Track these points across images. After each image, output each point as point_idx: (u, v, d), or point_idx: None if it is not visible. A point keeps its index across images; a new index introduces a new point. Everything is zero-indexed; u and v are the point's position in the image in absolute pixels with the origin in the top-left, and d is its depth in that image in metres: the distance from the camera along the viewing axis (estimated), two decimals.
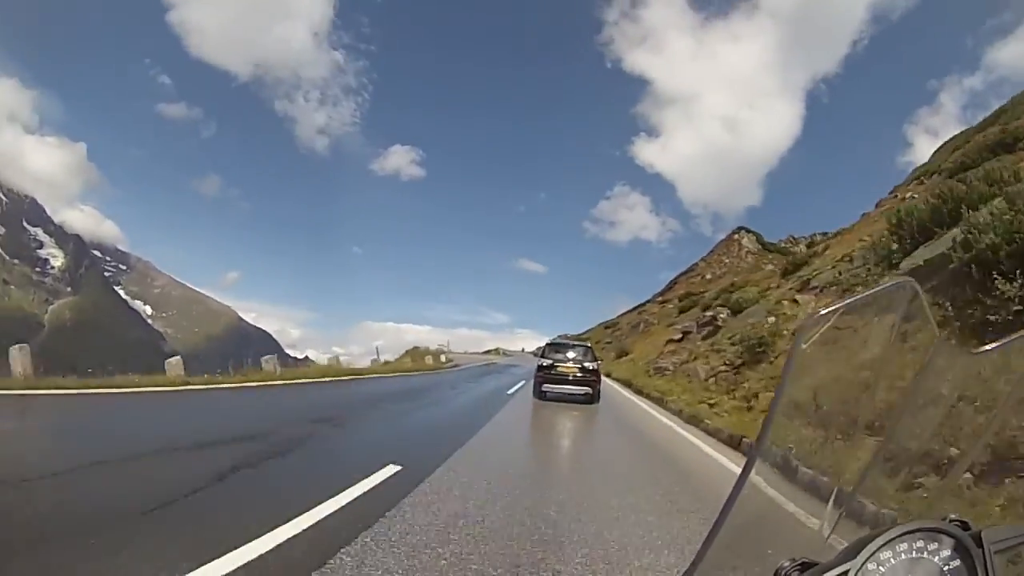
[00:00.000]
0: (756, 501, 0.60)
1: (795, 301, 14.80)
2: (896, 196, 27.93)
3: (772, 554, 0.64)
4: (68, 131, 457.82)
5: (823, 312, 0.60)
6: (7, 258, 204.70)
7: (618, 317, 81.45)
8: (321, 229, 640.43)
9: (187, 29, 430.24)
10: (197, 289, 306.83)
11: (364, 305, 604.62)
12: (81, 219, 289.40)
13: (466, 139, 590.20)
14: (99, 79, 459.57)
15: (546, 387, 13.18)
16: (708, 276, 67.94)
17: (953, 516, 0.64)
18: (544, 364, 13.40)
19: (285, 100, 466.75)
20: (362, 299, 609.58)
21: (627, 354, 35.74)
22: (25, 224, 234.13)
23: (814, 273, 17.54)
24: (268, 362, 14.35)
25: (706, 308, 29.90)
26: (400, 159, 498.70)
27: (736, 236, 79.62)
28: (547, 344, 14.47)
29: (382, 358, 27.22)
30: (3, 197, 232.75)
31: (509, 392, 14.91)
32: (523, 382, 18.00)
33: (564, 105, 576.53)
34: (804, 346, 0.59)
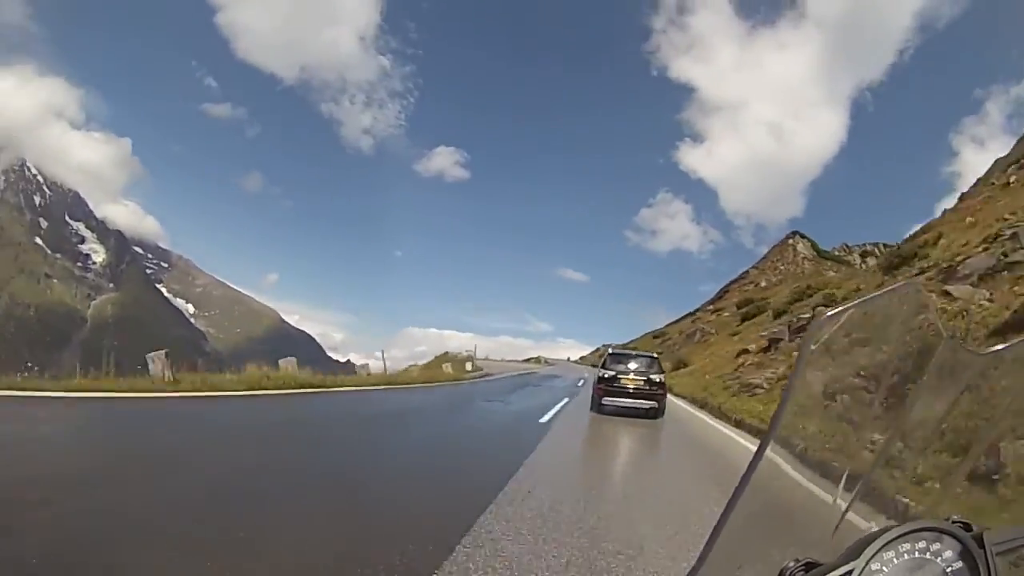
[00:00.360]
0: (761, 501, 0.64)
1: (946, 293, 13.31)
2: (982, 190, 28.28)
3: (776, 554, 0.67)
4: (114, 127, 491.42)
5: (831, 313, 0.63)
6: (49, 252, 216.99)
7: (666, 327, 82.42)
8: (364, 230, 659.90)
9: (235, 31, 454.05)
10: (239, 289, 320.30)
11: (407, 310, 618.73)
12: (124, 214, 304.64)
13: (510, 142, 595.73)
14: (145, 78, 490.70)
15: (607, 400, 13.18)
16: (763, 283, 68.40)
17: (956, 517, 0.68)
18: (606, 376, 13.33)
19: (331, 103, 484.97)
20: (405, 304, 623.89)
21: (685, 365, 35.24)
22: (68, 219, 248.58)
23: (954, 259, 15.99)
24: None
25: (779, 314, 29.49)
26: (444, 160, 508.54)
27: (791, 241, 79.74)
28: (609, 354, 14.35)
29: (397, 365, 25.97)
30: (47, 191, 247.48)
31: (542, 420, 11.32)
32: (565, 400, 16.17)
33: (609, 111, 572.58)
34: (813, 347, 0.63)
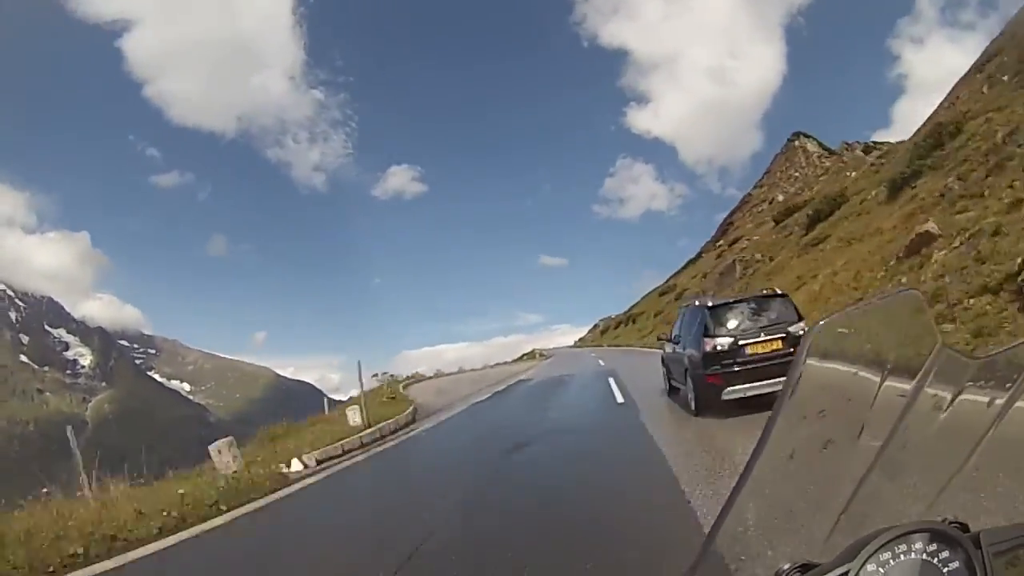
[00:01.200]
0: (757, 502, 0.64)
1: None
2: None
3: (772, 555, 0.68)
4: (68, 223, 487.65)
5: (830, 318, 0.65)
6: (37, 367, 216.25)
7: (670, 280, 73.86)
8: (338, 267, 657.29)
9: (165, 100, 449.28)
10: (229, 356, 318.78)
11: (398, 335, 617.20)
12: (100, 308, 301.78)
13: (459, 145, 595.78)
14: (88, 166, 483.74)
15: (733, 391, 7.72)
16: (780, 196, 59.72)
17: (952, 518, 0.68)
18: (720, 347, 7.93)
19: (275, 147, 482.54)
20: (395, 330, 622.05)
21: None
22: (47, 327, 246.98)
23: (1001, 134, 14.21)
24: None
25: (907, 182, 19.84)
26: (400, 179, 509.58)
27: (797, 144, 71.03)
28: (710, 308, 8.55)
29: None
30: (20, 303, 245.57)
31: None
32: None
33: (551, 92, 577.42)
34: (811, 350, 0.63)
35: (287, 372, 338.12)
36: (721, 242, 62.31)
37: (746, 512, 0.63)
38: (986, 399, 0.79)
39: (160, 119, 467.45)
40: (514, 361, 51.58)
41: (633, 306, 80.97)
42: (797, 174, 63.91)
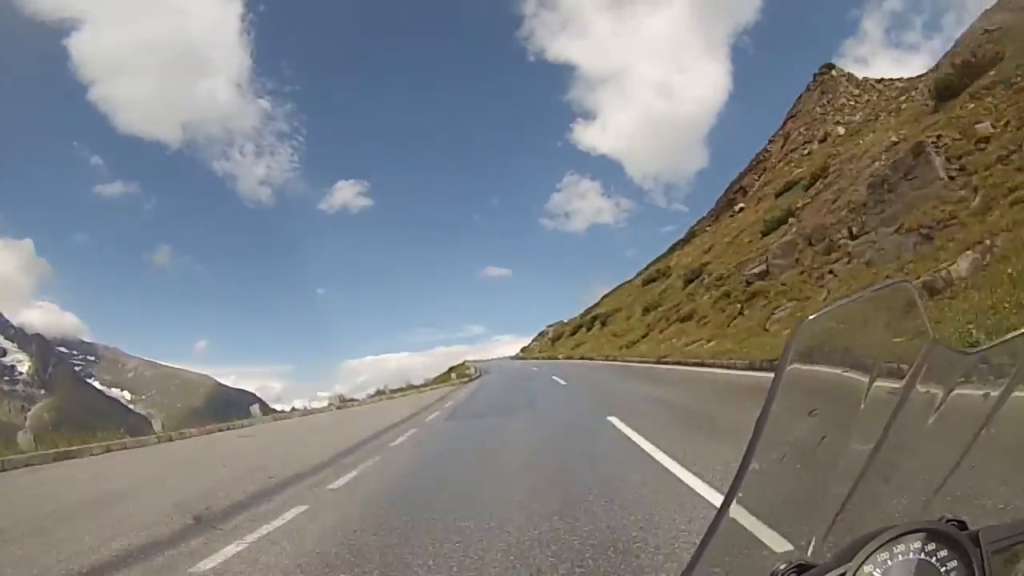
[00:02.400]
0: (751, 503, 0.62)
1: None
2: None
3: (768, 556, 0.66)
4: (11, 231, 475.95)
5: (819, 313, 0.63)
6: None
7: (659, 260, 56.37)
8: (283, 279, 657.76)
9: (111, 106, 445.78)
10: (170, 364, 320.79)
11: (341, 345, 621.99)
12: (40, 316, 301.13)
13: (406, 160, 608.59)
14: (33, 173, 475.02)
15: None
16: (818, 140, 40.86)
17: (949, 516, 0.67)
18: None
19: (221, 159, 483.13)
20: (338, 341, 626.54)
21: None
22: None
23: None
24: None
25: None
26: (346, 193, 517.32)
27: (831, 74, 52.75)
28: None
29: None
30: None
31: None
32: None
33: (498, 107, 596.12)
34: (799, 346, 0.61)
35: (228, 380, 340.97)
36: (730, 213, 47.67)
37: (740, 513, 0.61)
38: (981, 394, 0.77)
39: (105, 125, 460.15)
40: (440, 377, 36.16)
41: (594, 305, 67.74)
42: (851, 103, 46.28)
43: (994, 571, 0.62)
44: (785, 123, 55.79)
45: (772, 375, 0.61)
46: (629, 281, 63.40)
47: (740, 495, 0.61)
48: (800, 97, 56.86)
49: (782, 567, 0.64)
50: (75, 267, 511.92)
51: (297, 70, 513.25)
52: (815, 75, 56.66)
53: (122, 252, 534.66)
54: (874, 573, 0.61)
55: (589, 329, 51.35)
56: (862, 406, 0.70)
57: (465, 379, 31.87)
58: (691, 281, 32.81)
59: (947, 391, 0.74)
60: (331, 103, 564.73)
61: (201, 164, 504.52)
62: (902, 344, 0.70)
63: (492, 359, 78.98)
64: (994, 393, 0.77)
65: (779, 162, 48.60)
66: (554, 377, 20.30)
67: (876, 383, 0.69)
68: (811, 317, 0.63)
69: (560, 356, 46.73)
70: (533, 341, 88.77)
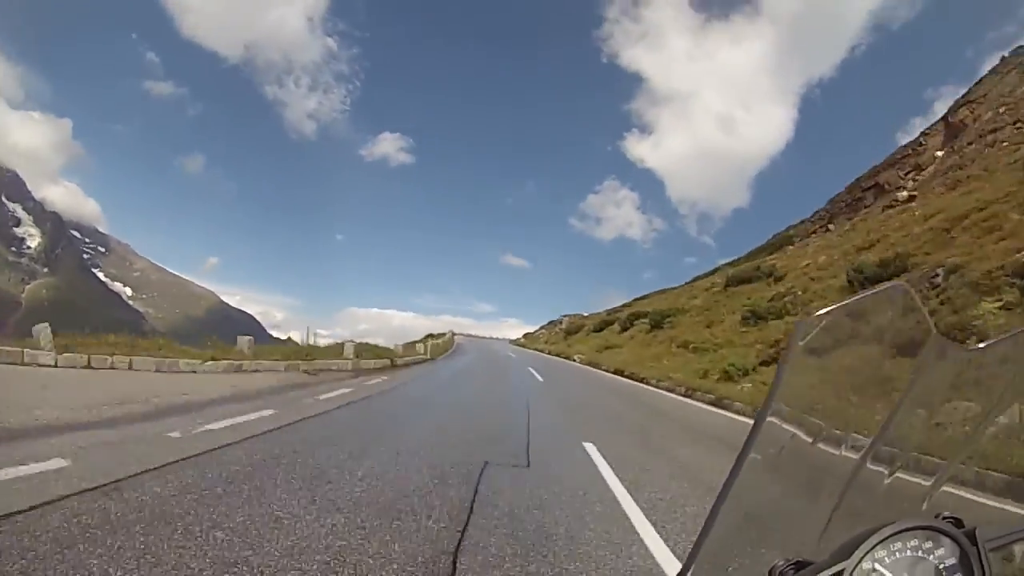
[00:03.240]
0: (749, 500, 0.63)
1: None
2: None
3: (766, 553, 0.66)
4: (54, 108, 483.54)
5: (820, 312, 0.63)
6: None
7: (753, 261, 41.35)
8: (307, 214, 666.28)
9: (180, 8, 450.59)
10: (177, 273, 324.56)
11: (349, 292, 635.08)
12: (63, 195, 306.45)
13: (457, 127, 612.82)
14: (87, 56, 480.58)
15: None
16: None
17: (947, 514, 0.67)
18: None
19: (275, 84, 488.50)
20: (347, 286, 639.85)
21: None
22: (4, 199, 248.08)
23: None
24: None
25: None
26: (389, 146, 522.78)
27: None
28: None
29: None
30: None
31: None
32: None
33: (558, 96, 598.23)
34: (800, 345, 0.62)
35: (232, 300, 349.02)
36: (864, 211, 40.43)
37: (738, 509, 0.61)
38: (980, 392, 0.78)
39: (168, 26, 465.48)
40: (412, 343, 27.62)
41: (637, 300, 55.26)
42: None
43: (991, 568, 0.62)
44: (954, 111, 47.60)
45: None
46: (699, 278, 49.64)
47: (738, 490, 0.61)
48: (980, 81, 49.57)
49: (780, 564, 0.64)
50: (108, 156, 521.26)
51: (371, 18, 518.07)
52: (1002, 57, 48.71)
53: (157, 151, 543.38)
54: (872, 570, 0.61)
55: (626, 329, 38.23)
56: (862, 402, 0.72)
57: (423, 356, 22.56)
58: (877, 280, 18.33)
59: (947, 388, 0.76)
60: (395, 57, 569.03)
61: (254, 85, 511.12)
62: (903, 341, 0.71)
63: (490, 338, 76.03)
64: (994, 391, 0.79)
65: (954, 151, 40.76)
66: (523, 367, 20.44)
67: (876, 379, 0.72)
68: (812, 316, 0.64)
69: (577, 358, 31.73)
70: (541, 328, 76.39)
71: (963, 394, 0.78)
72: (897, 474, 0.77)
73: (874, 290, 0.69)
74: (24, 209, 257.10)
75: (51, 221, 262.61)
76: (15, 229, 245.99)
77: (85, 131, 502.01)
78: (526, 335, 75.94)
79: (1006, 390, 0.79)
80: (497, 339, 75.46)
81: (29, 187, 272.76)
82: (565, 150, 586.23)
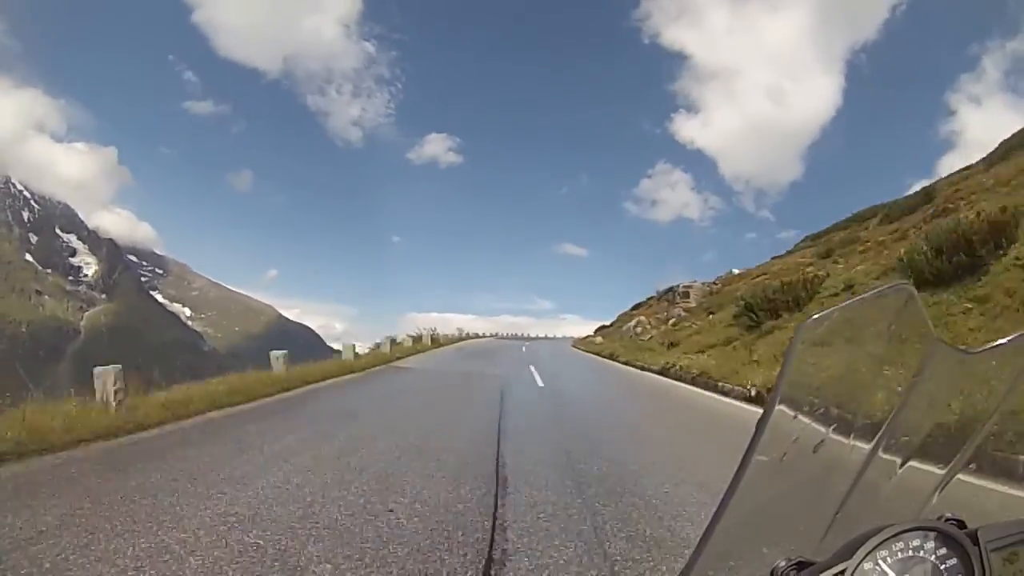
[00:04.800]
0: (752, 500, 0.63)
1: None
2: None
3: (768, 553, 0.68)
4: (98, 137, 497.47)
5: (818, 316, 0.64)
6: (40, 268, 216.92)
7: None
8: (359, 222, 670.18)
9: (213, 28, 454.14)
10: (236, 289, 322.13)
11: (408, 297, 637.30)
12: (116, 223, 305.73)
13: (502, 123, 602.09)
14: (125, 83, 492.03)
15: None
16: None
17: (949, 515, 0.69)
18: None
19: (317, 94, 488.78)
20: (405, 291, 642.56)
21: None
22: (58, 231, 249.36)
23: None
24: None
25: None
26: (437, 147, 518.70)
27: None
28: None
29: None
30: (36, 205, 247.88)
31: None
32: None
33: (602, 83, 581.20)
34: (801, 347, 0.63)
35: (291, 314, 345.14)
36: None
37: (741, 510, 0.62)
38: (981, 394, 0.79)
39: (205, 47, 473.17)
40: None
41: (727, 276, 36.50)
42: None
43: (993, 569, 0.63)
44: None
45: None
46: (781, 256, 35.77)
47: (741, 491, 0.62)
48: None
49: (782, 564, 0.66)
50: (156, 179, 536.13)
51: (407, 19, 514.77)
52: None
53: (204, 171, 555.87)
54: (874, 570, 0.62)
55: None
56: (864, 404, 0.73)
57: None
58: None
59: (948, 390, 0.78)
60: (435, 57, 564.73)
61: (296, 97, 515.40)
62: (905, 343, 0.74)
63: (544, 337, 62.67)
64: (996, 393, 0.80)
65: None
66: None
67: (878, 382, 0.73)
68: (814, 317, 0.65)
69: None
70: (610, 324, 52.00)
71: (964, 397, 0.79)
72: (899, 475, 0.79)
73: (876, 290, 0.70)
74: (79, 239, 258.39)
75: (107, 248, 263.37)
76: (71, 259, 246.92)
77: (131, 157, 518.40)
78: (600, 330, 53.91)
79: (1006, 393, 0.79)
80: (551, 339, 61.00)
81: (82, 217, 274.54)
82: (614, 137, 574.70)
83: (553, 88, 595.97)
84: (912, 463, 0.79)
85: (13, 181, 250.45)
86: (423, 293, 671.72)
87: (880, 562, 0.62)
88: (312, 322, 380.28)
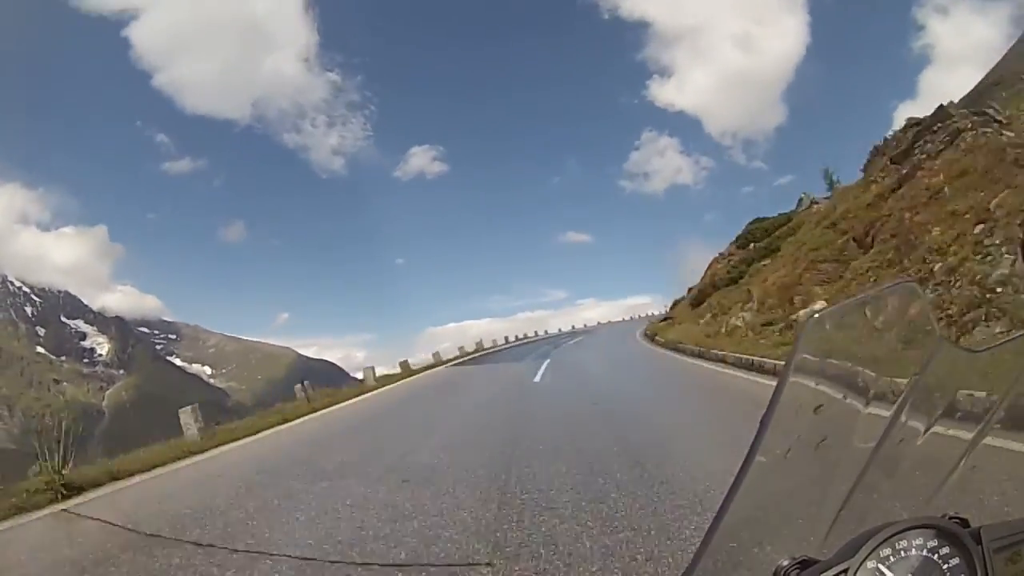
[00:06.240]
0: (754, 499, 0.63)
1: None
2: None
3: (771, 551, 0.68)
4: (84, 218, 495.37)
5: (825, 311, 0.64)
6: (54, 358, 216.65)
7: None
8: (360, 249, 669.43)
9: (176, 88, 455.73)
10: (251, 339, 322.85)
11: (423, 313, 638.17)
12: (120, 299, 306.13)
13: (480, 124, 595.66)
14: (99, 158, 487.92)
15: None
16: None
17: (952, 513, 0.69)
18: None
19: (292, 131, 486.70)
20: (419, 308, 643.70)
21: None
22: (64, 319, 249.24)
23: None
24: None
25: None
26: (421, 159, 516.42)
27: None
28: None
29: None
30: (36, 298, 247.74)
31: None
32: None
33: (572, 66, 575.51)
34: (805, 345, 0.63)
35: (310, 352, 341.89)
36: None
37: (744, 508, 0.62)
38: (985, 392, 0.79)
39: (171, 108, 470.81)
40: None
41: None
42: None
43: (995, 569, 0.63)
44: None
45: None
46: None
47: (744, 490, 0.61)
48: None
49: (785, 563, 0.65)
50: (150, 248, 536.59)
51: (364, 40, 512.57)
52: None
53: (196, 229, 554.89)
54: (876, 569, 0.62)
55: None
56: (867, 403, 0.71)
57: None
58: None
59: (952, 389, 0.77)
60: (401, 70, 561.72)
61: (271, 138, 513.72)
62: (908, 341, 0.72)
63: (561, 334, 48.99)
64: (998, 392, 0.79)
65: None
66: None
67: (881, 381, 0.71)
68: (818, 315, 0.65)
69: None
70: (663, 304, 43.51)
71: (966, 396, 0.79)
72: (902, 473, 0.79)
73: (881, 287, 0.70)
74: (86, 322, 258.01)
75: (115, 325, 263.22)
76: (82, 343, 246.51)
77: (121, 231, 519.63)
78: (657, 311, 44.59)
79: (1008, 392, 0.80)
80: (574, 333, 47.84)
81: (85, 301, 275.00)
82: (595, 116, 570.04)
83: (523, 80, 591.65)
84: (914, 461, 0.79)
85: (10, 279, 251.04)
86: (437, 306, 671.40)
87: (883, 561, 0.62)
88: (332, 356, 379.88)
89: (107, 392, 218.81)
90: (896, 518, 0.66)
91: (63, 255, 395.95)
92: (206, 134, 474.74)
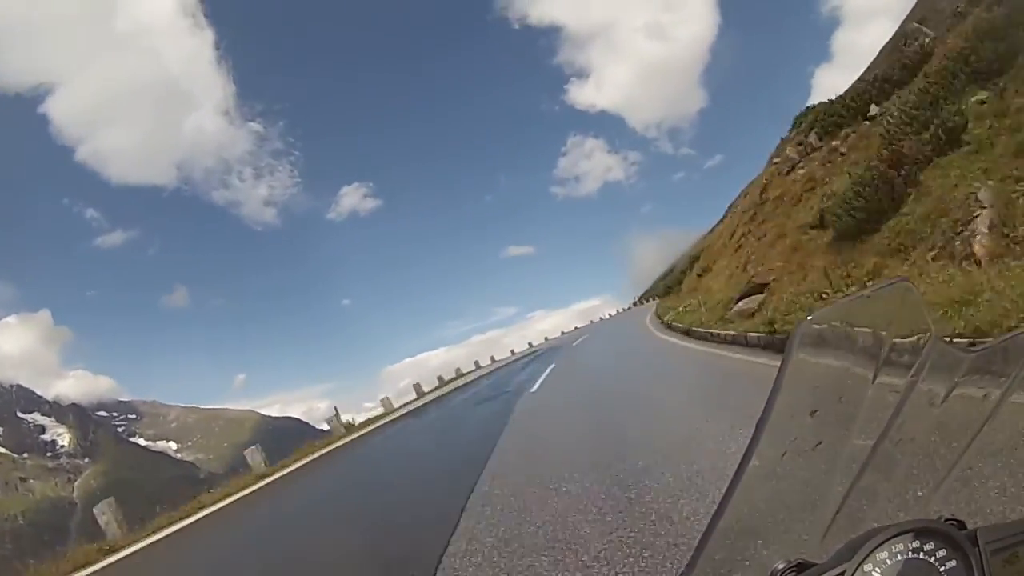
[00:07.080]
0: (751, 502, 0.63)
1: None
2: None
3: (767, 554, 0.67)
4: (25, 304, 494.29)
5: (821, 312, 0.64)
6: (16, 456, 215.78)
7: None
8: (305, 297, 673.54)
9: (99, 160, 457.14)
10: (211, 406, 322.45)
11: (378, 353, 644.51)
12: (73, 385, 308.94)
13: (409, 153, 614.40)
14: (31, 243, 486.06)
15: None
16: None
17: (948, 516, 0.68)
18: None
19: (221, 188, 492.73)
20: (373, 348, 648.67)
21: None
22: (19, 414, 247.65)
23: None
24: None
25: None
26: (352, 198, 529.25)
27: None
28: None
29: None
30: None
31: None
32: None
33: (489, 80, 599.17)
34: (800, 345, 0.62)
35: (272, 411, 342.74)
36: None
37: (740, 511, 0.62)
38: (981, 393, 0.79)
39: (96, 180, 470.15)
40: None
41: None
42: None
43: (993, 571, 0.63)
44: None
45: None
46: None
47: (740, 493, 0.61)
48: None
49: (781, 566, 0.65)
50: (96, 327, 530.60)
51: (280, 86, 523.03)
52: None
53: (137, 301, 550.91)
54: (873, 572, 0.61)
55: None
56: (863, 404, 0.71)
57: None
58: None
59: (948, 389, 0.76)
60: (321, 110, 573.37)
61: (200, 198, 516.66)
62: (904, 341, 0.72)
63: (510, 359, 36.41)
64: (995, 392, 0.79)
65: None
66: None
67: (877, 381, 0.71)
68: (813, 314, 0.64)
69: None
70: (632, 305, 45.16)
71: (963, 396, 0.79)
72: (898, 476, 0.78)
73: (876, 286, 0.69)
74: (42, 414, 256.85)
75: (72, 413, 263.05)
76: (42, 437, 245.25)
77: (64, 314, 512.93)
78: (625, 310, 43.69)
79: (1006, 392, 0.79)
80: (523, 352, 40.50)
81: (38, 391, 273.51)
82: (519, 128, 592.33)
83: (444, 103, 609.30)
84: (911, 463, 0.78)
85: None
86: (391, 343, 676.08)
87: (879, 564, 0.62)
88: (295, 411, 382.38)
89: (75, 483, 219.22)
90: (893, 520, 0.65)
91: (9, 346, 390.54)
92: (135, 203, 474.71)
